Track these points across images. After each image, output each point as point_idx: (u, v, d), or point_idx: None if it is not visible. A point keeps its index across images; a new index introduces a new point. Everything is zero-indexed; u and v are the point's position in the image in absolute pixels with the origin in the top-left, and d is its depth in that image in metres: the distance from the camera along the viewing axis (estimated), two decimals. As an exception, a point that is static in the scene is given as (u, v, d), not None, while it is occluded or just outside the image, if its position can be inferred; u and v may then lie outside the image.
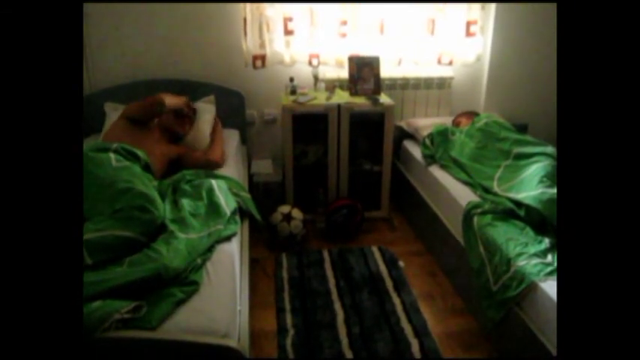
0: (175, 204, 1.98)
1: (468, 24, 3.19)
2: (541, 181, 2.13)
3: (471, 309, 2.25)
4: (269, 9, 2.98)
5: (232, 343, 1.44)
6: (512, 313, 1.85)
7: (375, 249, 2.77)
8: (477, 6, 3.16)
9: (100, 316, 1.34)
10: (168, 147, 2.48)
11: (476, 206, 2.23)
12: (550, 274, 1.75)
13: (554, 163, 2.25)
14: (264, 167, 3.23)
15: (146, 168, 2.15)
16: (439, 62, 3.27)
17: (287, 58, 3.10)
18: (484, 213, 2.17)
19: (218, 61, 3.11)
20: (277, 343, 2.06)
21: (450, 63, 3.28)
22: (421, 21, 3.16)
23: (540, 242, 1.94)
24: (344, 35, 3.09)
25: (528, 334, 1.76)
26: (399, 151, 3.29)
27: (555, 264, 1.79)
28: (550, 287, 1.68)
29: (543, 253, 1.87)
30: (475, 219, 2.17)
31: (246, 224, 2.28)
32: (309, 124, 2.98)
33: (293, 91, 3.01)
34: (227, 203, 2.08)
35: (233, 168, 2.59)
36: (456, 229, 2.38)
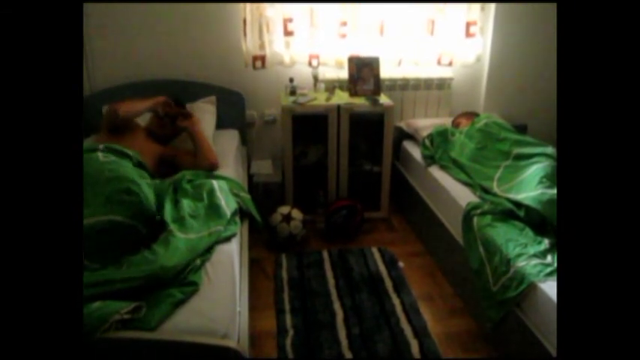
0: (176, 204, 1.98)
1: (468, 25, 3.19)
2: (541, 182, 2.13)
3: (471, 310, 2.25)
4: (269, 9, 2.98)
5: (232, 343, 1.44)
6: (511, 313, 1.85)
7: (374, 249, 2.76)
8: (476, 6, 3.17)
9: (100, 317, 1.34)
10: (155, 146, 2.44)
11: (475, 207, 2.23)
12: (550, 274, 1.75)
13: (553, 164, 2.25)
14: (264, 168, 3.23)
15: (139, 166, 2.13)
16: (439, 63, 3.27)
17: (287, 59, 3.10)
18: (484, 214, 2.17)
19: (218, 61, 3.11)
20: (277, 344, 2.06)
21: (450, 64, 3.28)
22: (421, 21, 3.16)
23: (540, 243, 1.94)
24: (344, 36, 3.10)
25: (528, 334, 1.76)
26: (398, 152, 3.29)
27: (555, 265, 1.79)
28: (550, 288, 1.68)
29: (543, 254, 1.88)
30: (475, 219, 2.17)
31: (245, 225, 2.28)
32: (308, 125, 2.97)
33: (293, 92, 3.01)
34: (227, 204, 2.07)
35: (233, 168, 2.59)
36: (455, 229, 2.38)
